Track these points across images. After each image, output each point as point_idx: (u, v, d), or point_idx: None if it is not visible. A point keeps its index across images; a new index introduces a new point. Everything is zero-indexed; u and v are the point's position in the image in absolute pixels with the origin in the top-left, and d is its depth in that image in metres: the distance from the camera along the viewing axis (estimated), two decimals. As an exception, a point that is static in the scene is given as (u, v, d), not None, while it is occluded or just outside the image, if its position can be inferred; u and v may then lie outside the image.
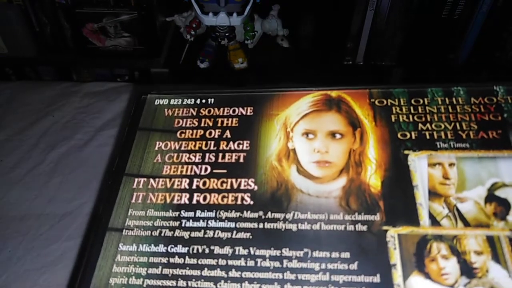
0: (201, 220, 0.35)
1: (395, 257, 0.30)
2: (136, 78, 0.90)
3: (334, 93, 0.40)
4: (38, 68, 0.91)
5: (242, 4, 0.74)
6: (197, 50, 0.83)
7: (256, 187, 0.36)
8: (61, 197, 0.58)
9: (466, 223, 0.31)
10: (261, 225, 0.34)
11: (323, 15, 0.84)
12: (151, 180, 0.38)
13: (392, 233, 0.31)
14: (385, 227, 0.32)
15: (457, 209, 0.32)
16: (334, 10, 0.81)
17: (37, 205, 0.57)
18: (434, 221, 0.31)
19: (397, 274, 0.30)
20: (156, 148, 0.40)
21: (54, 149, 0.64)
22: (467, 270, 0.29)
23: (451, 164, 0.34)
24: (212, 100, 0.42)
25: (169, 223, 0.35)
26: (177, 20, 0.86)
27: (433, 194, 0.33)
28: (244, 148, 0.38)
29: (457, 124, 0.36)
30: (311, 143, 0.37)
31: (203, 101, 0.42)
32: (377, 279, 0.30)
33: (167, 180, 0.38)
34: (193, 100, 0.42)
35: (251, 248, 0.33)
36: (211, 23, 0.75)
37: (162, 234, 0.35)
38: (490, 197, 0.32)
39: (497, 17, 0.74)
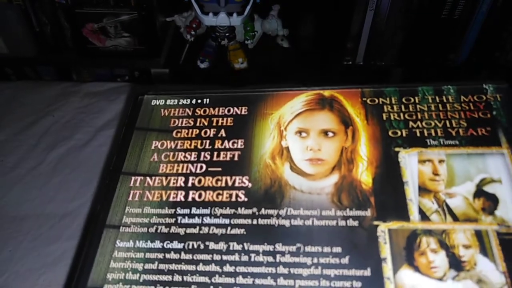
0: (196, 217, 0.36)
1: (386, 251, 0.31)
2: (136, 78, 0.90)
3: (327, 93, 0.41)
4: (38, 68, 0.91)
5: (242, 4, 0.75)
6: (197, 50, 0.84)
7: (250, 185, 0.37)
8: (61, 197, 0.58)
9: (455, 218, 0.32)
10: (255, 221, 0.35)
11: (323, 15, 0.84)
12: (148, 178, 0.39)
13: (383, 228, 0.32)
14: (375, 222, 0.33)
15: (446, 204, 0.33)
16: (334, 10, 0.81)
17: (37, 205, 0.58)
18: (424, 216, 0.32)
19: (387, 268, 0.31)
20: (153, 147, 0.41)
21: (54, 149, 0.65)
22: (456, 263, 0.30)
23: (440, 161, 0.35)
24: (208, 100, 0.43)
25: (165, 220, 0.36)
26: (177, 20, 0.86)
27: (423, 190, 0.34)
28: (239, 146, 0.39)
29: (447, 122, 0.36)
30: (304, 141, 0.38)
31: (199, 101, 0.43)
32: (367, 272, 0.31)
33: (163, 178, 0.39)
34: (188, 100, 0.43)
35: (245, 244, 0.34)
36: (211, 23, 0.76)
37: (158, 231, 0.36)
38: (479, 192, 0.33)
39: (497, 17, 0.75)
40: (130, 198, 0.38)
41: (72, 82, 0.80)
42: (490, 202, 0.32)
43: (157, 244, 0.35)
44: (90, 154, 0.64)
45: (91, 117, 0.70)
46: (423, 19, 0.75)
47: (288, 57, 0.86)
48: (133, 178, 0.39)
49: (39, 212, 0.57)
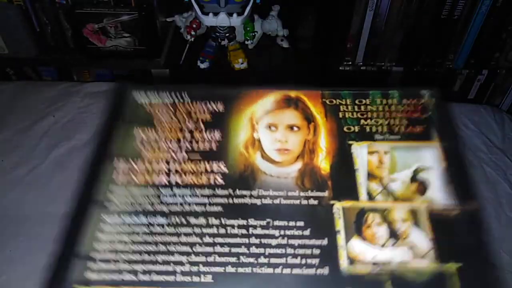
0: (178, 196, 0.41)
1: (340, 224, 0.38)
2: (136, 78, 0.90)
3: (292, 93, 0.47)
4: (39, 68, 0.91)
5: (242, 5, 0.75)
6: (197, 51, 0.84)
7: (226, 170, 0.42)
8: (62, 197, 0.58)
9: (395, 198, 0.39)
10: (230, 201, 0.40)
11: (323, 16, 0.84)
12: (132, 162, 0.43)
13: (338, 206, 0.39)
14: (332, 201, 0.39)
15: (389, 187, 0.40)
16: (334, 11, 0.81)
17: (37, 205, 0.58)
18: (371, 197, 0.40)
19: (340, 238, 0.37)
20: (136, 137, 0.45)
21: (55, 149, 0.65)
22: (394, 233, 0.37)
23: (385, 152, 0.42)
24: (187, 95, 0.47)
25: (149, 199, 0.40)
26: (177, 20, 0.86)
27: (370, 175, 0.41)
28: (216, 138, 0.44)
29: (391, 120, 0.44)
30: (273, 134, 0.44)
31: (179, 97, 0.47)
32: (325, 242, 0.37)
33: (147, 163, 0.43)
34: (170, 97, 0.48)
35: (222, 219, 0.39)
36: (211, 24, 0.76)
37: (143, 208, 0.40)
38: (414, 178, 0.40)
39: (496, 18, 0.74)
40: (114, 177, 0.41)
41: (73, 82, 0.80)
42: (423, 186, 0.40)
43: (142, 220, 0.39)
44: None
45: (91, 117, 0.70)
46: (423, 19, 0.75)
47: (288, 57, 0.86)
48: (116, 159, 0.43)
49: (39, 212, 0.57)
